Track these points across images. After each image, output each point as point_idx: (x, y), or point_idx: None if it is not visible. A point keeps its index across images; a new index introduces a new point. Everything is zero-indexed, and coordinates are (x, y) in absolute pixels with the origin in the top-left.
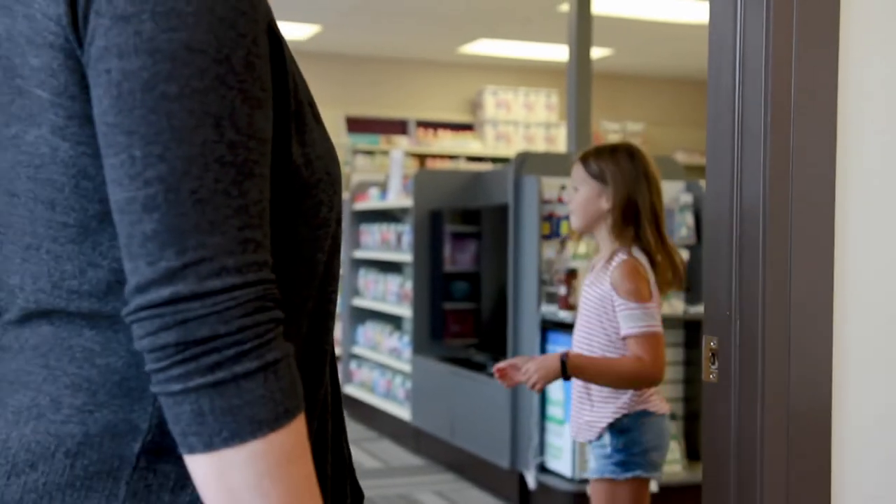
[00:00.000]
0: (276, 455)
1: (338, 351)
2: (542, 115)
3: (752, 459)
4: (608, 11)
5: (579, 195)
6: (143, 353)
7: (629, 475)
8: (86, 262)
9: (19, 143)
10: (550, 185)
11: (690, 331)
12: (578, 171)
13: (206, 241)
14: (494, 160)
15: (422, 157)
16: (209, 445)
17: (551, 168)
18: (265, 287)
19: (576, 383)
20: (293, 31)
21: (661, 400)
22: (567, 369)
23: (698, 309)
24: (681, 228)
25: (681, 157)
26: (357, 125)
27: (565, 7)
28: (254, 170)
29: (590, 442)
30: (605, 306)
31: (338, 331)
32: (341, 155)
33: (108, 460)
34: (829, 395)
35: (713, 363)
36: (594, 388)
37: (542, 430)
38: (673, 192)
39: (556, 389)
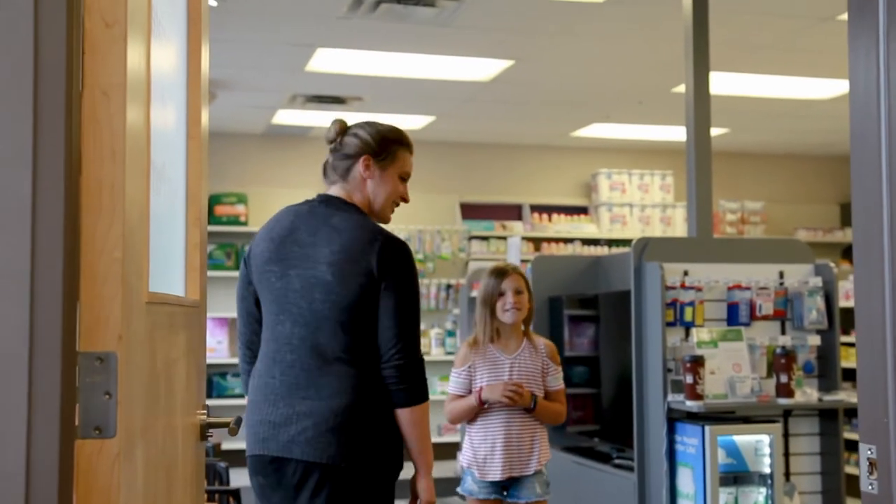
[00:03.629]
0: (425, 410)
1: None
2: (657, 196)
3: None
4: (723, 91)
5: (526, 297)
6: (382, 376)
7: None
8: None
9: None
10: (672, 271)
11: (825, 419)
12: (521, 280)
13: (417, 345)
14: (610, 243)
15: (537, 242)
16: (411, 403)
17: (672, 253)
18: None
19: (523, 425)
20: (410, 122)
21: None
22: (536, 403)
23: (832, 397)
24: (811, 312)
25: (802, 235)
26: (471, 211)
27: (679, 88)
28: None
29: (531, 474)
30: (544, 370)
31: None
32: (456, 241)
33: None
34: None
35: (871, 473)
36: (545, 431)
37: None
38: (801, 274)
39: (686, 482)
